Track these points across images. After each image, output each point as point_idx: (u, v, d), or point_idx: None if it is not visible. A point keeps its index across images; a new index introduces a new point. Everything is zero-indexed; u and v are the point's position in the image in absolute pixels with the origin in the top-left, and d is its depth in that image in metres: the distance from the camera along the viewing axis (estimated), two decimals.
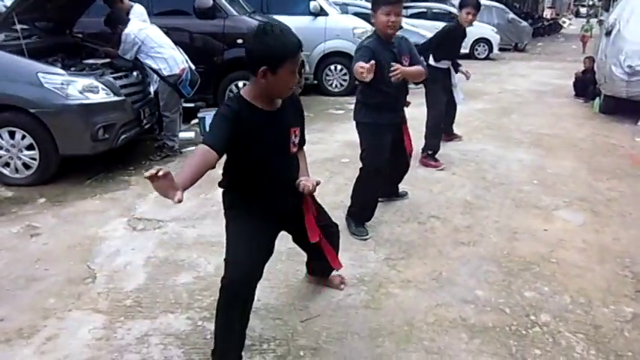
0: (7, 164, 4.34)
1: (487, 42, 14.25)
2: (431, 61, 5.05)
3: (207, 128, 2.07)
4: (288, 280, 2.88)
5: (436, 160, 4.81)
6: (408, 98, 3.56)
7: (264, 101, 2.04)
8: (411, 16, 14.28)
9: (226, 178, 2.19)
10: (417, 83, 5.03)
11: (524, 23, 17.51)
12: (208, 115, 5.63)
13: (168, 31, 5.43)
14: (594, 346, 2.37)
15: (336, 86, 8.59)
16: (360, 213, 3.43)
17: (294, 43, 1.94)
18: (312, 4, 8.09)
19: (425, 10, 14.57)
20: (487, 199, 4.07)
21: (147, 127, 5.17)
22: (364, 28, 8.63)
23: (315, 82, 8.60)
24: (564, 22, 27.91)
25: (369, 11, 11.50)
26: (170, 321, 2.54)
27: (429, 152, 4.83)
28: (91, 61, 4.90)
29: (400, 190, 4.02)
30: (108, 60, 4.93)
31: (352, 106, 3.48)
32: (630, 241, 3.45)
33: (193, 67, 5.21)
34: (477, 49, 14.32)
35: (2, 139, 4.27)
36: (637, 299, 2.77)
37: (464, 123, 6.60)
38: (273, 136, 2.09)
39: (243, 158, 2.05)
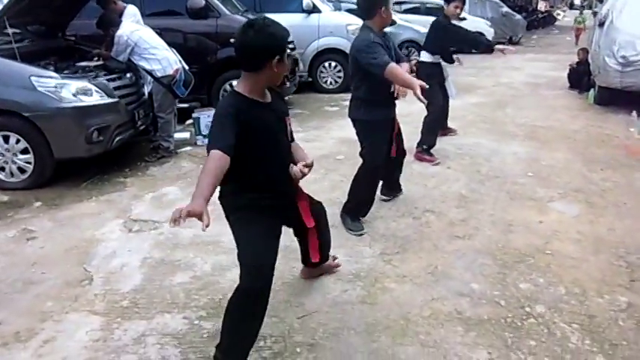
0: (2, 168, 4.34)
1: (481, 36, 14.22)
2: (426, 57, 5.03)
3: (209, 131, 2.07)
4: (283, 277, 2.89)
5: (431, 155, 4.82)
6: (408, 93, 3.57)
7: (260, 94, 2.10)
8: (405, 11, 14.26)
9: (229, 183, 2.14)
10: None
11: (518, 16, 17.48)
12: (203, 115, 5.64)
13: (161, 32, 5.43)
14: (589, 336, 2.39)
15: (330, 83, 8.59)
16: (357, 209, 3.44)
17: (287, 30, 2.07)
18: (304, 2, 8.08)
19: (418, 5, 14.53)
20: (482, 193, 4.08)
21: (142, 128, 5.17)
22: (357, 24, 8.62)
23: (310, 79, 8.60)
24: (558, 14, 27.95)
25: None
26: (167, 321, 2.55)
27: (424, 147, 4.84)
28: (84, 63, 4.90)
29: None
30: (101, 62, 4.92)
31: (347, 103, 3.48)
32: (625, 231, 3.47)
33: (187, 67, 5.21)
34: None
35: None
36: (631, 289, 2.78)
37: (458, 117, 6.61)
38: (274, 125, 2.15)
39: (251, 152, 2.07)
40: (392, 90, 3.27)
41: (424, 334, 2.39)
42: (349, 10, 10.63)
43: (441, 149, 5.13)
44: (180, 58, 5.16)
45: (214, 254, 3.17)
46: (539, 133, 5.91)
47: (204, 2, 6.12)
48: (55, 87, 4.19)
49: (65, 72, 4.56)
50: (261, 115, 2.08)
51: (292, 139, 2.33)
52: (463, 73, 10.74)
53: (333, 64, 8.49)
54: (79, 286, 2.89)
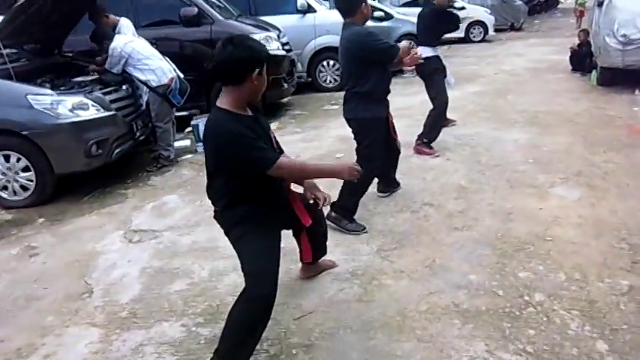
0: (4, 187, 4.41)
1: (482, 24, 14.12)
2: (428, 51, 4.95)
3: (244, 154, 2.05)
4: (281, 279, 2.79)
5: (430, 148, 4.78)
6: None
7: (244, 108, 2.13)
8: (403, 5, 14.15)
9: (228, 196, 2.19)
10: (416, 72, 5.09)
11: (519, 2, 17.28)
12: (202, 122, 5.66)
13: (157, 42, 5.48)
14: (589, 322, 2.35)
15: (329, 82, 8.58)
16: (352, 210, 3.39)
17: (264, 45, 2.16)
18: (299, 3, 8.08)
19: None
20: (481, 182, 4.04)
21: (141, 139, 5.21)
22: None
23: (310, 79, 8.59)
24: None
25: None
26: (164, 329, 2.56)
27: (424, 140, 4.79)
28: (79, 78, 4.95)
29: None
30: (96, 76, 4.97)
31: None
32: (627, 212, 3.40)
33: (182, 75, 5.23)
34: (472, 33, 14.18)
35: None
36: (633, 271, 2.73)
37: (459, 107, 6.55)
38: (264, 137, 2.17)
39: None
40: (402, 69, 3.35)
41: (421, 329, 2.37)
42: None
43: (441, 141, 5.08)
44: (175, 67, 5.18)
45: (212, 260, 3.17)
46: (541, 119, 5.83)
47: (196, 10, 6.16)
48: (52, 104, 4.24)
49: (61, 88, 4.61)
50: (252, 127, 2.10)
51: (281, 150, 2.35)
52: (465, 63, 10.69)
53: (332, 62, 8.46)
54: (79, 300, 2.92)
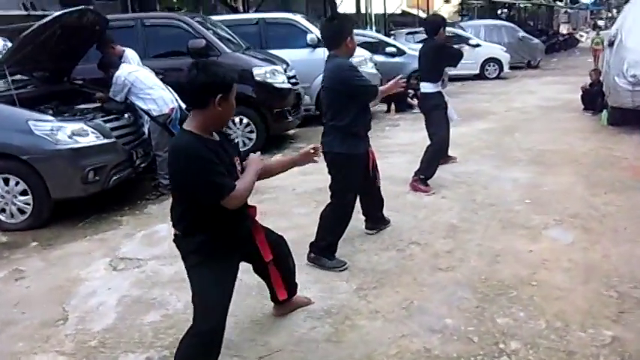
0: (2, 210, 4.48)
1: (497, 61, 14.15)
2: (429, 87, 4.96)
3: (195, 179, 2.04)
4: (254, 315, 2.83)
5: (426, 185, 4.71)
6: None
7: (209, 133, 2.13)
8: (420, 42, 14.27)
9: (187, 222, 2.17)
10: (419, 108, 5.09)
11: (536, 40, 17.34)
12: None
13: (164, 72, 5.62)
14: None
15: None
16: (332, 247, 3.33)
17: (234, 71, 2.18)
18: (309, 37, 8.22)
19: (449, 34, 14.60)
20: (473, 222, 3.95)
21: (142, 167, 5.28)
22: (362, 56, 8.71)
23: (318, 112, 8.66)
24: (582, 35, 27.57)
25: (372, 39, 11.58)
26: None
27: (421, 177, 4.74)
28: (82, 106, 5.08)
29: (385, 216, 3.93)
30: (99, 104, 5.09)
31: None
32: (621, 258, 3.28)
33: (184, 105, 5.33)
34: (487, 69, 14.21)
35: None
36: (619, 321, 2.61)
37: (464, 143, 6.52)
38: (227, 164, 2.15)
39: None
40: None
41: None
42: (364, 44, 10.79)
43: (438, 178, 5.02)
44: (177, 97, 5.28)
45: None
46: (545, 157, 5.74)
47: (204, 42, 6.31)
48: (52, 130, 4.34)
49: (65, 115, 4.74)
50: (216, 151, 2.09)
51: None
52: (477, 99, 10.69)
53: None
54: (53, 326, 2.90)
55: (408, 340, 2.51)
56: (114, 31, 6.15)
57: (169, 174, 2.17)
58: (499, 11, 24.98)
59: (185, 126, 2.13)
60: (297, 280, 3.07)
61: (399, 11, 22.60)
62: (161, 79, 5.27)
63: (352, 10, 18.21)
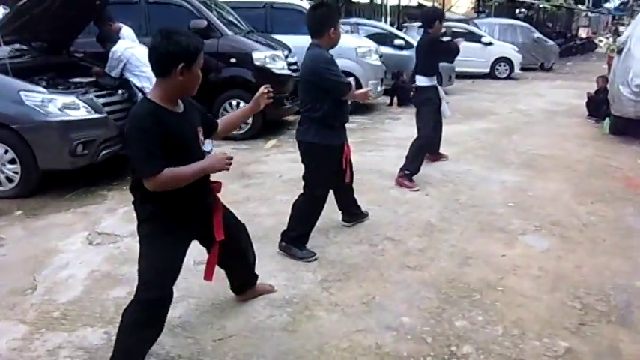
0: None
1: (508, 61, 13.96)
2: (423, 80, 4.95)
3: (131, 147, 2.05)
4: (216, 298, 2.85)
5: (411, 181, 4.70)
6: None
7: (173, 103, 2.11)
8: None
9: (141, 189, 2.11)
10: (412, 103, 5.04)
11: (551, 42, 17.06)
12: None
13: None
14: None
15: None
16: (303, 237, 3.34)
17: (200, 41, 2.11)
18: None
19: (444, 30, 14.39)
20: (451, 222, 3.94)
21: None
22: (367, 47, 8.65)
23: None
24: (601, 40, 27.05)
25: (382, 31, 11.42)
26: (87, 334, 2.56)
27: (407, 172, 4.72)
28: (77, 79, 5.09)
29: (363, 211, 3.93)
30: (93, 79, 5.11)
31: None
32: (593, 269, 3.25)
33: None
34: (497, 69, 14.04)
35: None
36: (577, 332, 2.60)
37: (459, 142, 6.48)
38: (187, 136, 2.14)
39: (168, 164, 2.04)
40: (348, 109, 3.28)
41: None
42: (373, 35, 10.69)
43: (426, 175, 5.01)
44: None
45: None
46: (538, 162, 5.68)
47: (206, 23, 6.29)
48: (42, 101, 4.37)
49: (59, 87, 4.76)
50: (174, 123, 2.06)
51: (215, 129, 2.42)
52: (483, 98, 10.58)
53: None
54: (20, 295, 2.95)
55: (361, 335, 2.52)
56: (118, 6, 6.18)
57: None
58: (517, 11, 24.60)
59: (148, 94, 2.11)
60: (265, 268, 3.11)
61: (414, 3, 22.33)
62: None
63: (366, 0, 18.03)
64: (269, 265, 3.23)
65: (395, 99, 9.45)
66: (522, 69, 14.68)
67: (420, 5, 21.62)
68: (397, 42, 10.26)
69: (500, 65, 13.98)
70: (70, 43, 5.68)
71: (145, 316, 2.10)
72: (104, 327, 2.62)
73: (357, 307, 2.78)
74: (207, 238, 2.37)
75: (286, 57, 6.86)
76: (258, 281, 2.91)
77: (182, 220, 2.18)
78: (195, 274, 3.06)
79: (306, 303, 2.81)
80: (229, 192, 4.66)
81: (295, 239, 3.32)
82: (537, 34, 16.59)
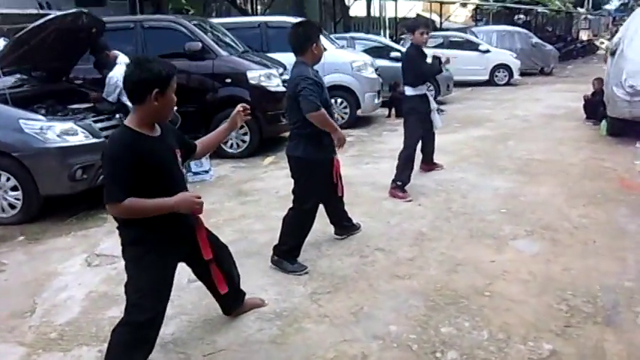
0: None
1: (507, 68, 14.02)
2: (409, 90, 5.01)
3: (105, 171, 2.15)
4: (208, 314, 2.92)
5: (404, 192, 4.75)
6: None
7: (150, 128, 2.19)
8: (436, 47, 14.12)
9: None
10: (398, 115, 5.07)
11: (550, 47, 17.10)
12: None
13: None
14: None
15: (337, 119, 8.61)
16: (294, 251, 3.40)
17: (172, 66, 2.18)
18: None
19: (442, 40, 14.50)
20: (443, 230, 3.98)
21: None
22: (363, 60, 8.76)
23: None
24: (602, 42, 27.04)
25: (378, 44, 11.56)
26: (82, 353, 2.64)
27: (398, 183, 4.79)
28: (75, 106, 5.24)
29: (355, 222, 3.99)
30: (91, 104, 5.26)
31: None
32: (582, 271, 3.28)
33: (174, 107, 5.45)
34: (496, 76, 14.08)
35: None
36: (562, 335, 2.62)
37: (454, 151, 6.53)
38: (165, 158, 2.22)
39: (147, 188, 2.13)
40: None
41: None
42: (370, 49, 10.83)
43: (420, 185, 5.06)
44: None
45: None
46: (532, 167, 5.72)
47: (200, 45, 6.44)
48: (41, 128, 4.50)
49: (58, 114, 4.91)
50: (151, 148, 2.14)
51: (193, 151, 2.51)
52: (480, 106, 10.63)
53: (339, 100, 8.61)
54: (20, 318, 3.04)
55: (347, 345, 2.57)
56: (115, 32, 6.36)
57: None
58: (516, 17, 24.74)
59: (126, 121, 2.20)
60: (258, 282, 3.18)
61: (412, 15, 22.56)
62: None
63: (363, 13, 18.23)
64: (261, 279, 3.30)
65: (392, 110, 9.54)
66: (522, 74, 14.73)
67: (418, 17, 21.79)
68: (393, 54, 10.38)
69: (499, 72, 14.04)
70: (69, 70, 5.84)
71: (135, 337, 2.17)
72: (98, 346, 2.69)
73: (345, 317, 2.83)
74: (194, 260, 2.45)
75: (281, 74, 6.97)
76: (250, 296, 2.99)
77: (166, 241, 2.24)
78: (189, 292, 3.15)
79: (296, 316, 2.86)
80: (226, 209, 4.78)
81: (286, 253, 3.38)
82: (535, 39, 16.66)
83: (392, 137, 7.86)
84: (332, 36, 10.63)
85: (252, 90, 6.54)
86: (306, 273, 3.33)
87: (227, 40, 7.28)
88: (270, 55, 7.83)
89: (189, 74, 6.57)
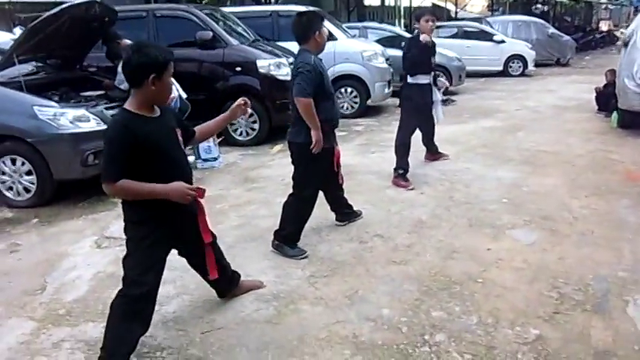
0: (10, 188, 4.84)
1: (521, 58, 13.86)
2: (408, 79, 5.03)
3: (104, 153, 2.28)
4: (210, 295, 3.03)
5: (406, 180, 4.81)
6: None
7: (149, 109, 2.29)
8: (450, 37, 14.00)
9: None
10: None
11: (567, 37, 16.81)
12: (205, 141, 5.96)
13: (174, 61, 5.86)
14: None
15: (347, 108, 8.74)
16: (294, 236, 3.49)
17: (169, 51, 2.27)
18: None
19: (456, 30, 14.39)
20: (442, 219, 4.04)
21: None
22: (373, 50, 8.78)
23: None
24: (622, 33, 26.41)
25: (390, 34, 11.52)
26: (88, 329, 2.78)
27: (400, 172, 4.84)
28: (88, 93, 5.39)
29: (356, 210, 4.07)
30: (103, 92, 5.40)
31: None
32: (577, 260, 3.32)
33: (184, 95, 5.58)
34: (511, 66, 13.95)
35: (5, 165, 4.78)
36: (550, 321, 2.68)
37: (462, 141, 6.55)
38: (166, 137, 2.33)
39: (148, 167, 2.23)
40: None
41: (310, 355, 2.45)
42: (382, 39, 10.81)
43: (424, 174, 5.11)
44: (179, 87, 5.52)
45: None
46: (539, 158, 5.72)
47: (211, 34, 6.53)
48: (54, 115, 4.66)
49: (71, 101, 5.06)
50: (150, 129, 2.24)
51: (192, 136, 2.58)
52: (492, 97, 10.57)
53: (349, 89, 8.66)
54: (31, 295, 3.20)
55: (340, 326, 2.67)
56: (127, 20, 6.49)
57: None
58: (533, 7, 24.32)
59: (125, 104, 2.29)
60: (258, 266, 3.29)
61: (428, 4, 22.33)
62: None
63: (378, 2, 18.13)
64: (262, 262, 3.41)
65: None
66: (538, 65, 14.55)
67: (434, 6, 21.59)
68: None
69: (513, 63, 13.89)
70: (83, 58, 5.99)
71: (132, 309, 2.31)
72: (104, 322, 2.76)
73: (339, 300, 2.93)
74: (188, 246, 2.55)
75: (290, 64, 7.03)
76: (250, 278, 3.11)
77: (166, 224, 2.35)
78: (193, 273, 3.26)
79: (292, 298, 2.97)
80: (232, 196, 4.90)
81: (286, 238, 3.48)
82: (552, 30, 16.41)
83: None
84: (344, 25, 10.63)
85: (261, 79, 6.62)
86: (306, 257, 3.43)
87: (238, 29, 7.36)
88: (281, 44, 7.90)
89: (200, 63, 6.69)
